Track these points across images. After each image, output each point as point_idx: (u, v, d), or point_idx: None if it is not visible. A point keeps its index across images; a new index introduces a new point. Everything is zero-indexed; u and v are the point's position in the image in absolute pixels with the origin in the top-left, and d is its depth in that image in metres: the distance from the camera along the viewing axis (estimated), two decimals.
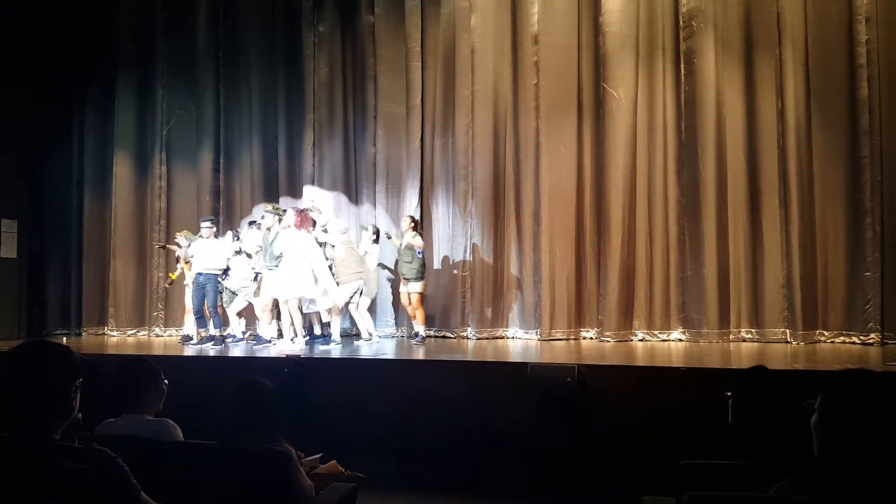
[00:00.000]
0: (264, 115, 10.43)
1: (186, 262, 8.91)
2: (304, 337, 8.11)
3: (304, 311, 8.12)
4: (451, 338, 9.11)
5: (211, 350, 7.95)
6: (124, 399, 3.07)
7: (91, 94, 11.14)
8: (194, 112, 10.68)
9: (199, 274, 8.38)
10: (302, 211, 7.93)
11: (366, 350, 7.72)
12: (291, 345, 7.69)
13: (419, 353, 7.58)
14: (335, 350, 7.53)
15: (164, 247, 10.18)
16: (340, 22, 10.10)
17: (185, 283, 9.13)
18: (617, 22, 8.47)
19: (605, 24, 8.51)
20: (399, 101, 9.58)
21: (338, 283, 8.03)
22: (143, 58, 10.93)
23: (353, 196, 9.95)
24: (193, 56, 10.68)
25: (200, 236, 8.59)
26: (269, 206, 8.44)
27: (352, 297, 8.25)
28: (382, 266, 9.16)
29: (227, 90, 10.62)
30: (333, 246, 8.19)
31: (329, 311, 8.16)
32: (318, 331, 8.63)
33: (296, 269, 7.64)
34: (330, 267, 8.05)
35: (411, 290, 8.46)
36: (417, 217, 8.96)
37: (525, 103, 8.94)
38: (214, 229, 8.64)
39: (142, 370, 3.14)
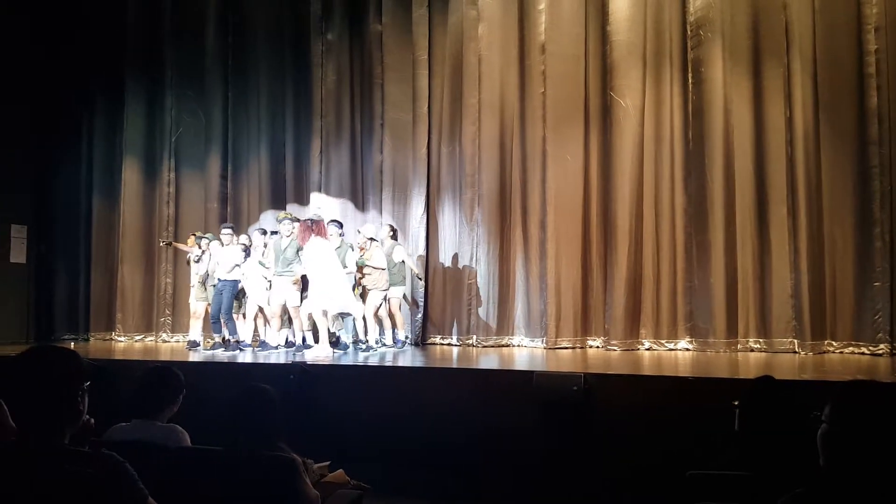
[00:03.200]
0: (272, 122, 10.49)
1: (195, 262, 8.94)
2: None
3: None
4: (456, 345, 9.11)
5: (223, 356, 7.97)
6: (145, 406, 3.10)
7: (100, 100, 11.24)
8: (203, 119, 10.74)
9: (219, 280, 8.41)
10: (319, 220, 7.96)
11: (389, 357, 7.74)
12: (327, 350, 7.60)
13: (424, 361, 7.58)
14: (373, 357, 7.57)
15: (169, 244, 10.21)
16: (348, 30, 10.15)
17: (191, 285, 9.13)
18: (624, 31, 8.47)
19: (613, 33, 8.51)
20: (406, 109, 9.61)
21: (369, 291, 8.26)
22: (152, 65, 11.02)
23: (360, 203, 9.98)
24: (202, 64, 10.75)
25: (219, 241, 8.63)
26: (285, 214, 8.48)
27: (380, 306, 8.37)
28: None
29: (236, 97, 10.68)
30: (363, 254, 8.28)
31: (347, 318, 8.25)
32: (310, 340, 8.42)
33: (327, 280, 7.58)
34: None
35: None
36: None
37: (532, 112, 8.95)
38: (233, 237, 8.65)
39: (170, 381, 3.17)
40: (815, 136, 7.77)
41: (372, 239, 8.36)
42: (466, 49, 9.26)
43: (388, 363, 7.19)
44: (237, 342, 8.45)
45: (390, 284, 8.39)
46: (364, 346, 8.06)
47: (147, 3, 11.13)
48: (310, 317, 7.88)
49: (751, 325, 7.94)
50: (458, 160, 9.37)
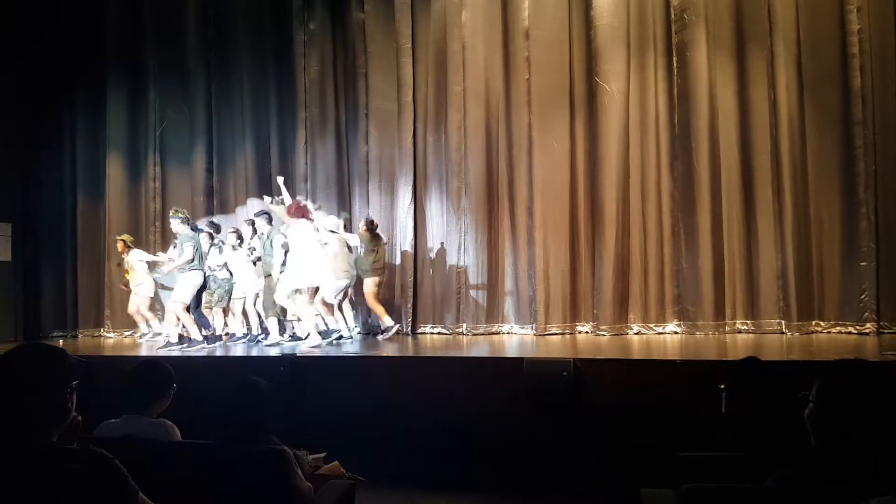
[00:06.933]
0: (256, 114, 10.40)
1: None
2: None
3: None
4: (446, 334, 9.11)
5: (202, 350, 7.93)
6: (135, 401, 3.08)
7: (83, 96, 11.11)
8: (187, 113, 10.65)
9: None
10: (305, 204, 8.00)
11: (349, 347, 7.69)
12: (317, 340, 7.59)
13: (415, 350, 7.59)
14: (347, 346, 7.55)
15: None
16: (330, 20, 10.07)
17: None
18: (608, 16, 8.46)
19: (596, 17, 8.50)
20: (391, 98, 9.56)
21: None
22: (133, 60, 10.90)
23: (346, 194, 9.93)
24: (184, 57, 10.66)
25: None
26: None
27: (344, 296, 8.33)
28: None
29: (219, 90, 10.58)
30: (326, 243, 8.19)
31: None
32: (298, 331, 8.36)
33: (310, 259, 7.66)
34: None
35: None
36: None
37: (517, 98, 8.93)
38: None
39: (159, 375, 3.16)
40: (800, 117, 7.80)
41: (333, 231, 8.32)
42: (450, 36, 9.22)
43: (378, 353, 7.19)
44: (214, 335, 8.35)
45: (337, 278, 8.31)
46: (336, 338, 8.00)
47: None
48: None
49: (738, 307, 8.00)
50: (444, 149, 9.34)
